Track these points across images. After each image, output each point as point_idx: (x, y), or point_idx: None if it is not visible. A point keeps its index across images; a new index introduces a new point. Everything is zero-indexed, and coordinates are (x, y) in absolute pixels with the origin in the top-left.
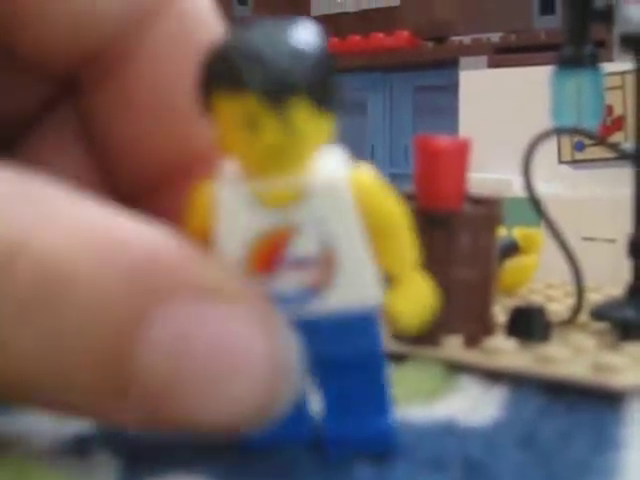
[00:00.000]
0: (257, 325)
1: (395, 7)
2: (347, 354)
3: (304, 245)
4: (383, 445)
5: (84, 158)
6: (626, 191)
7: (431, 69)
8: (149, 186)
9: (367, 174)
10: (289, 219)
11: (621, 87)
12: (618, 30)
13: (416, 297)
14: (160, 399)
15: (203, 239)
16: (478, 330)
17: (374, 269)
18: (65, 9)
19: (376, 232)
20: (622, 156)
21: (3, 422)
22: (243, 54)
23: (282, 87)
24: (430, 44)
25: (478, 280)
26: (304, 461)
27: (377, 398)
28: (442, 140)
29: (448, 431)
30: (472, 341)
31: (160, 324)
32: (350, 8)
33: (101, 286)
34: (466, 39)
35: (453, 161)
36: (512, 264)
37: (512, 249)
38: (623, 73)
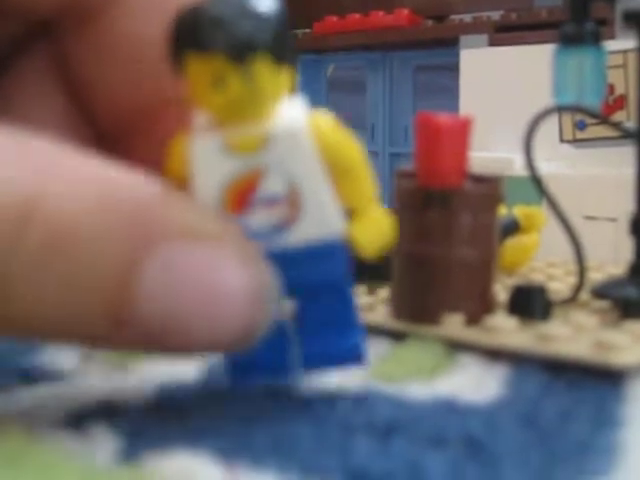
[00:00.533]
0: (237, 258)
1: None
2: (316, 279)
3: (272, 185)
4: (353, 360)
5: (62, 103)
6: (628, 170)
7: (431, 48)
8: (124, 131)
9: (326, 120)
10: (257, 163)
11: (623, 66)
12: (620, 7)
13: (375, 226)
14: (157, 326)
15: (182, 186)
16: (479, 308)
17: (336, 203)
18: None
19: (336, 171)
20: (625, 135)
21: (3, 399)
22: (208, 18)
23: (243, 46)
24: (430, 22)
25: (479, 259)
26: (306, 437)
27: (345, 317)
28: (443, 117)
29: (449, 409)
30: (473, 319)
31: (154, 263)
32: None
33: (102, 233)
34: (466, 17)
35: (454, 139)
36: (513, 243)
37: (513, 228)
38: (625, 52)
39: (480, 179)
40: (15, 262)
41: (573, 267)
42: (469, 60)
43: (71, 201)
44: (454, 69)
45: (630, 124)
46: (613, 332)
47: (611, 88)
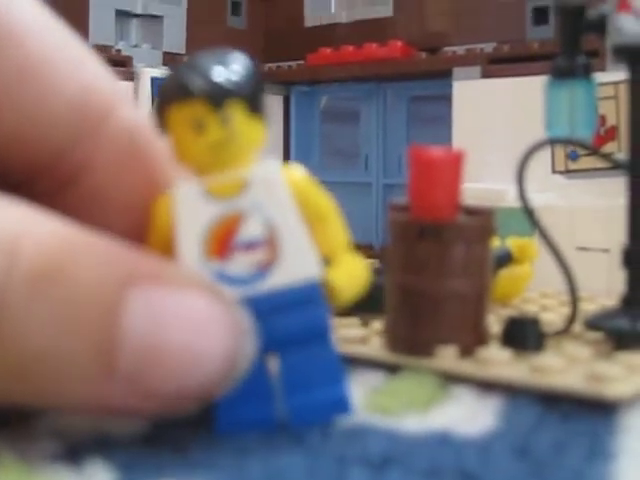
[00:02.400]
0: (212, 297)
1: (388, 17)
2: (298, 327)
3: (251, 229)
4: (339, 412)
5: None
6: (620, 201)
7: (425, 79)
8: None
9: (299, 172)
10: (236, 207)
11: (614, 97)
12: (611, 41)
13: (351, 272)
14: (143, 367)
15: (168, 241)
16: (472, 340)
17: (313, 248)
18: (14, 114)
19: (310, 219)
20: (616, 166)
21: None
22: (188, 70)
23: (219, 91)
24: (423, 54)
25: (472, 291)
26: (300, 469)
27: (329, 367)
28: (436, 151)
29: (443, 441)
30: (466, 351)
31: (138, 300)
32: (343, 19)
33: (86, 271)
34: (460, 49)
35: (447, 172)
36: (506, 274)
37: (506, 259)
38: (616, 83)
39: (473, 211)
40: (5, 295)
41: (566, 298)
42: (462, 91)
43: (53, 239)
44: (447, 99)
45: (621, 155)
46: (606, 364)
47: (603, 119)
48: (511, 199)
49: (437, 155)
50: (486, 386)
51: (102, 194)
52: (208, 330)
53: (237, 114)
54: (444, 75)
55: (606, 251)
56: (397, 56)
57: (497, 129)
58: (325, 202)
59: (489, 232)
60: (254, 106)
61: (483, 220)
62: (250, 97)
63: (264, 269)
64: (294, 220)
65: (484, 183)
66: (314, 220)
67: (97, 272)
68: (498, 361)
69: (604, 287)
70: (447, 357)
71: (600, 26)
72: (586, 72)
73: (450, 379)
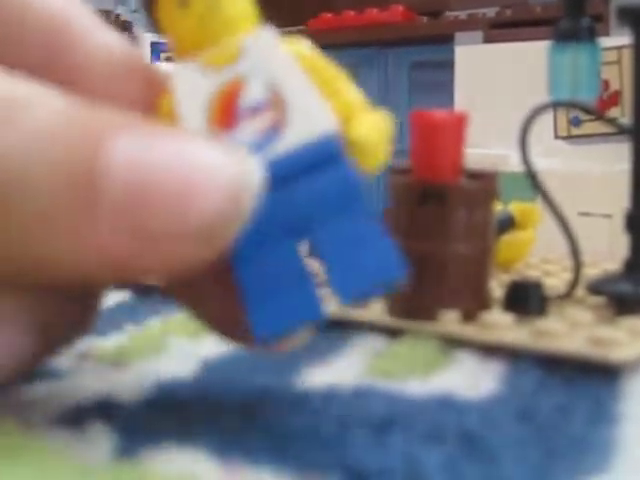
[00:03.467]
0: (214, 144)
1: None
2: (324, 191)
3: (253, 92)
4: (395, 274)
5: None
6: (622, 166)
7: (426, 44)
8: None
9: (304, 43)
10: (234, 74)
11: (618, 62)
12: (615, 3)
13: (376, 126)
14: (129, 200)
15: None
16: (475, 305)
17: (324, 103)
18: None
19: (319, 82)
20: (620, 131)
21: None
22: None
23: None
24: (425, 19)
25: (474, 255)
26: (302, 433)
27: (371, 238)
28: (439, 114)
29: (445, 405)
30: (469, 316)
31: (120, 146)
32: None
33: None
34: (461, 14)
35: (450, 134)
36: (509, 239)
37: (508, 224)
38: (620, 48)
39: (475, 175)
40: None
41: (569, 263)
42: (464, 57)
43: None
44: (449, 65)
45: (625, 120)
46: (609, 328)
47: (606, 84)
48: (514, 164)
49: (440, 118)
50: (488, 350)
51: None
52: (202, 162)
53: None
54: (446, 40)
55: (608, 216)
56: (398, 21)
57: (499, 94)
58: (331, 67)
59: (492, 195)
60: None
61: (486, 183)
62: None
63: (275, 130)
64: (298, 77)
65: (487, 148)
66: (322, 82)
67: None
68: (500, 325)
69: (607, 252)
70: (449, 321)
71: None
72: (590, 35)
73: (452, 343)
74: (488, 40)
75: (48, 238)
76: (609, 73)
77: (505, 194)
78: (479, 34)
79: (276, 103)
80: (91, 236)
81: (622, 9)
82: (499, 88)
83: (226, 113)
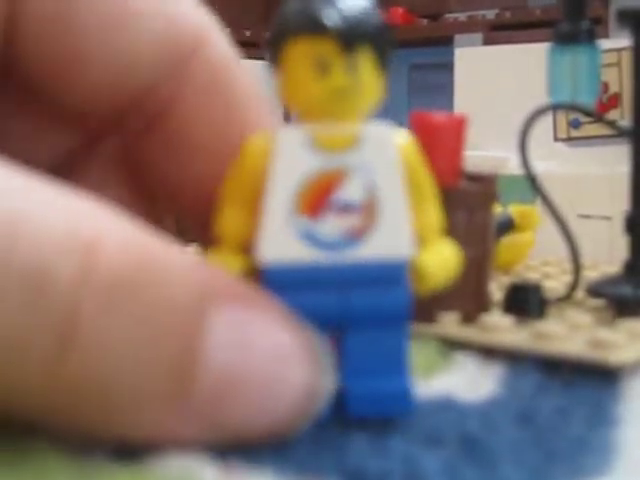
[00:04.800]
0: (295, 329)
1: None
2: (375, 306)
3: (351, 190)
4: (402, 407)
5: (127, 192)
6: (622, 168)
7: (426, 46)
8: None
9: (410, 139)
10: (340, 163)
11: (617, 64)
12: (615, 6)
13: (443, 258)
14: (220, 401)
15: (254, 182)
16: (475, 307)
17: (409, 225)
18: (104, 55)
19: (412, 193)
20: (619, 133)
21: None
22: (322, 3)
23: (355, 33)
24: (425, 21)
25: (474, 257)
26: (301, 437)
27: (397, 358)
28: (438, 116)
29: (445, 407)
30: (469, 318)
31: (221, 318)
32: None
33: (170, 277)
34: (461, 16)
35: (449, 137)
36: (508, 241)
37: (508, 226)
38: (619, 50)
39: (475, 178)
40: (80, 304)
41: (568, 265)
42: (464, 59)
43: (132, 245)
44: (449, 67)
45: (624, 122)
46: (608, 330)
47: (605, 86)
48: (513, 166)
49: (439, 120)
50: (488, 352)
51: (185, 131)
52: (291, 362)
53: (365, 61)
54: (446, 42)
55: (608, 218)
56: (398, 23)
57: (499, 96)
58: (428, 180)
59: (492, 198)
60: (382, 58)
61: (486, 186)
62: (380, 47)
63: (355, 237)
64: (399, 191)
65: (486, 150)
66: (415, 195)
67: (178, 286)
68: (500, 327)
69: (606, 254)
70: (449, 323)
71: None
72: (590, 38)
73: (452, 345)
74: (488, 42)
75: (130, 425)
76: (609, 75)
77: (504, 196)
78: (479, 36)
79: (368, 209)
80: (173, 430)
81: (622, 12)
82: (499, 90)
83: (317, 200)
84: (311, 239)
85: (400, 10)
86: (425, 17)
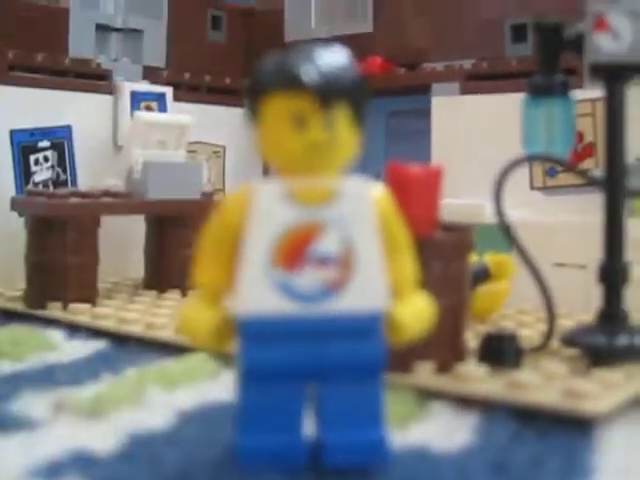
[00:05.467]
0: None
1: (368, 33)
2: (352, 358)
3: (327, 244)
4: (378, 457)
5: None
6: (597, 217)
7: (404, 95)
8: None
9: (386, 193)
10: (318, 217)
11: (592, 114)
12: (588, 59)
13: (417, 310)
14: None
15: (232, 235)
16: (450, 356)
17: (385, 278)
18: None
19: (387, 246)
20: (592, 183)
21: None
22: (299, 58)
23: (332, 89)
24: (402, 70)
25: (449, 307)
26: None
27: (373, 409)
28: (414, 168)
29: (421, 457)
30: (444, 367)
31: None
32: (323, 34)
33: None
34: (438, 65)
35: (424, 189)
36: (483, 290)
37: (483, 275)
38: (594, 100)
39: (451, 228)
40: None
41: (543, 314)
42: (440, 107)
43: None
44: (426, 114)
45: (598, 172)
46: (583, 380)
47: (580, 136)
48: (489, 215)
49: (414, 172)
50: (464, 402)
51: None
52: None
53: (342, 117)
54: (423, 91)
55: (583, 267)
56: (376, 72)
57: (475, 145)
58: (403, 233)
59: (467, 249)
60: (358, 113)
61: (461, 237)
62: (357, 104)
63: (332, 289)
64: (374, 244)
65: (462, 199)
66: (390, 248)
67: None
68: (475, 377)
69: (581, 303)
70: (424, 373)
71: (577, 44)
72: (564, 90)
73: (428, 395)
74: (465, 91)
75: None
76: (583, 125)
77: (480, 245)
78: (455, 85)
79: (344, 263)
80: None
81: (594, 65)
82: (475, 139)
83: (294, 253)
84: (288, 291)
85: (378, 59)
86: (403, 66)
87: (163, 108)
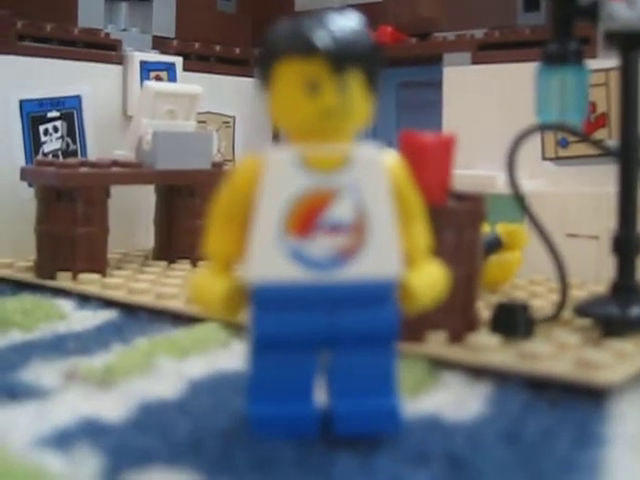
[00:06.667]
0: None
1: (379, 3)
2: (364, 326)
3: (340, 210)
4: (389, 425)
5: None
6: (610, 188)
7: (415, 65)
8: None
9: (399, 160)
10: (331, 183)
11: (605, 84)
12: (603, 27)
13: (431, 278)
14: None
15: (245, 202)
16: (462, 326)
17: (398, 245)
18: None
19: (400, 213)
20: (606, 153)
21: None
22: (313, 24)
23: (346, 55)
24: (413, 40)
25: (462, 276)
26: (287, 455)
27: (385, 378)
28: (427, 136)
29: (432, 426)
30: (456, 337)
31: None
32: (335, 3)
33: None
34: (450, 35)
35: (438, 156)
36: (496, 260)
37: (496, 245)
38: (607, 70)
39: (463, 197)
40: None
41: (555, 285)
42: (452, 77)
43: None
44: (438, 85)
45: (612, 142)
46: (595, 350)
47: (593, 106)
48: (501, 185)
49: (428, 140)
50: (475, 372)
51: None
52: None
53: (355, 83)
54: (434, 61)
55: (595, 238)
56: (387, 41)
57: (487, 115)
58: (417, 200)
59: (479, 217)
60: (372, 79)
61: (474, 205)
62: (371, 69)
63: (344, 256)
64: (387, 212)
65: (474, 169)
66: (404, 216)
67: None
68: (487, 347)
69: (593, 274)
70: (436, 343)
71: (592, 12)
72: (578, 58)
73: (440, 364)
74: (476, 61)
75: None
76: (596, 95)
77: (492, 215)
78: (467, 55)
79: (357, 229)
80: None
81: (609, 33)
82: (487, 109)
83: (307, 219)
84: (300, 258)
85: (389, 29)
86: (414, 36)
87: (173, 78)
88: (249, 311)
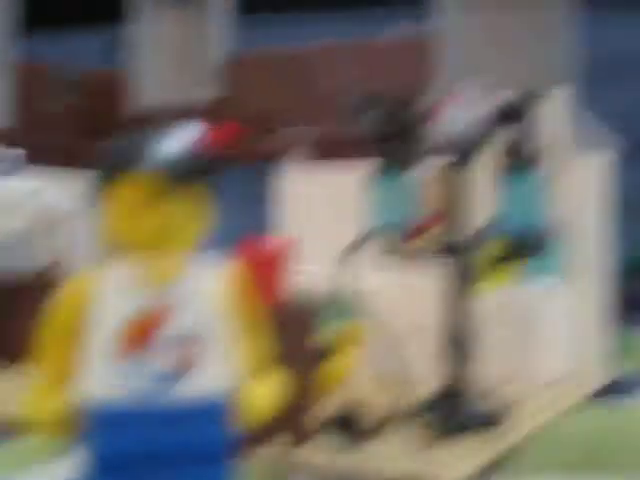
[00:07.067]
0: None
1: (223, 98)
2: (195, 442)
3: (175, 325)
4: None
5: None
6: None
7: (256, 160)
8: None
9: (237, 269)
10: (165, 299)
11: (440, 181)
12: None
13: (269, 388)
14: None
15: (73, 323)
16: (306, 429)
17: (234, 359)
18: None
19: (237, 323)
20: (441, 250)
21: None
22: (150, 139)
23: (182, 170)
24: (257, 136)
25: (303, 380)
26: None
27: None
28: (265, 241)
29: None
30: (301, 440)
31: None
32: (175, 100)
33: None
34: (290, 133)
35: (277, 263)
36: (336, 360)
37: (335, 345)
38: (442, 167)
39: (302, 299)
40: None
41: (397, 381)
42: (291, 175)
43: None
44: (279, 181)
45: (446, 239)
46: (435, 450)
47: (428, 203)
48: (339, 282)
49: (266, 245)
50: (321, 474)
51: None
52: None
53: (192, 197)
54: (275, 157)
55: (436, 332)
56: (231, 138)
57: (327, 213)
58: (255, 308)
59: (318, 320)
60: (208, 191)
61: (312, 308)
62: (207, 182)
63: (178, 372)
64: (223, 324)
65: (313, 266)
66: (241, 325)
67: None
68: (331, 449)
69: (434, 368)
70: (282, 447)
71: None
72: (409, 164)
73: (286, 469)
74: (315, 158)
75: None
76: (431, 192)
77: (330, 313)
78: (306, 152)
79: (194, 343)
80: None
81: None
82: (326, 207)
83: (141, 336)
84: (133, 376)
85: (230, 126)
86: (258, 131)
87: None
88: (81, 432)
